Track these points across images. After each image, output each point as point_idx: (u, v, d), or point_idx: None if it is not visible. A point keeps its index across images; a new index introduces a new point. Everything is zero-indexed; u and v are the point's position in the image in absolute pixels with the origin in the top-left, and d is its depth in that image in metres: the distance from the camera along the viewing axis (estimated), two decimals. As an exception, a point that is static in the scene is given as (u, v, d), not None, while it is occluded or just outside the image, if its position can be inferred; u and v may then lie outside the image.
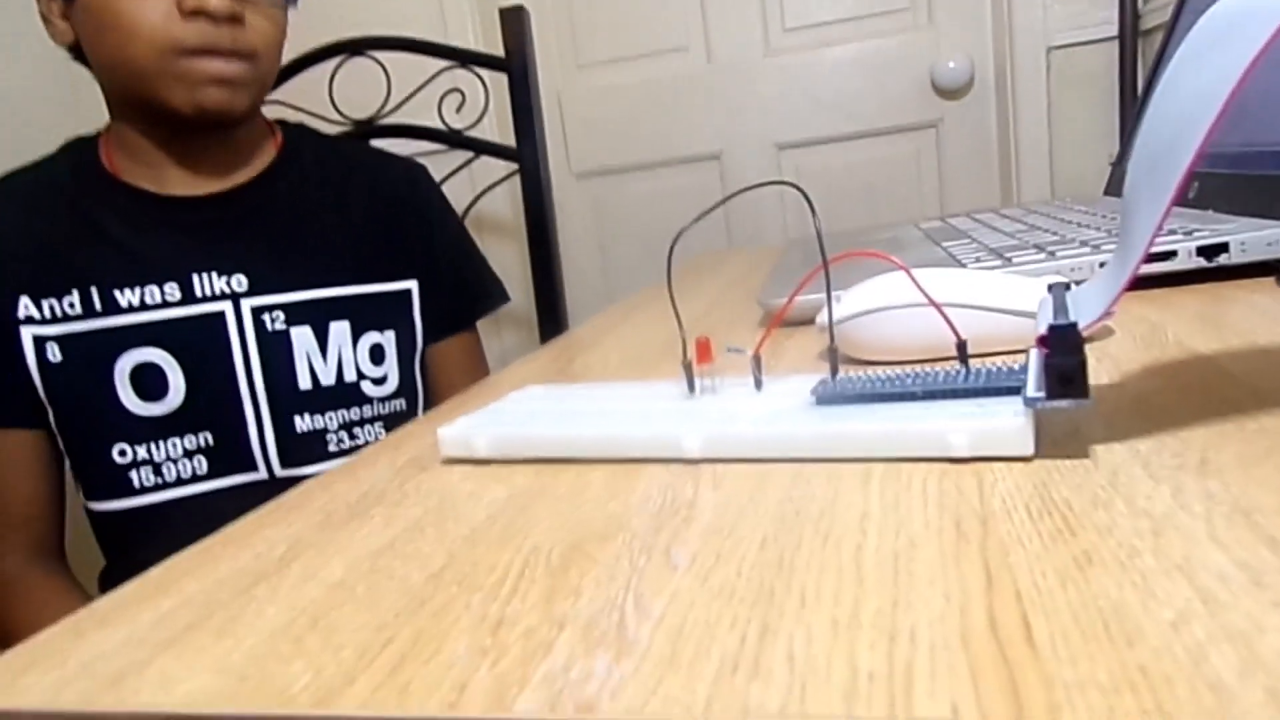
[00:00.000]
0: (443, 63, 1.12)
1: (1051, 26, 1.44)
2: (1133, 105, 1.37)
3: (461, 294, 0.87)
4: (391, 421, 0.79)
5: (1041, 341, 0.23)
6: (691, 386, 0.31)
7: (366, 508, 0.28)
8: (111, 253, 0.70)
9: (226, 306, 0.71)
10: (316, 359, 0.74)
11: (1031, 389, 0.23)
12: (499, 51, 1.10)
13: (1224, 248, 0.42)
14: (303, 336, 0.74)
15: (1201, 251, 0.43)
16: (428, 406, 0.83)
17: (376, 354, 0.78)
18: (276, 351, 0.73)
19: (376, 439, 0.77)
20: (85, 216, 0.71)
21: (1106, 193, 0.78)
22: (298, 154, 0.79)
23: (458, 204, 0.96)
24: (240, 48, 0.68)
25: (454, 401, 0.42)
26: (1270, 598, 0.15)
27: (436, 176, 0.91)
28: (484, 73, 1.13)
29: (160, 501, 0.70)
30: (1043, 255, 0.47)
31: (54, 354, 0.69)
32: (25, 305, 0.68)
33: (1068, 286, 0.28)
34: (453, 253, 0.87)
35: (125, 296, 0.69)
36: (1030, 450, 0.23)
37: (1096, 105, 1.44)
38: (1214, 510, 0.19)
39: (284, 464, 0.73)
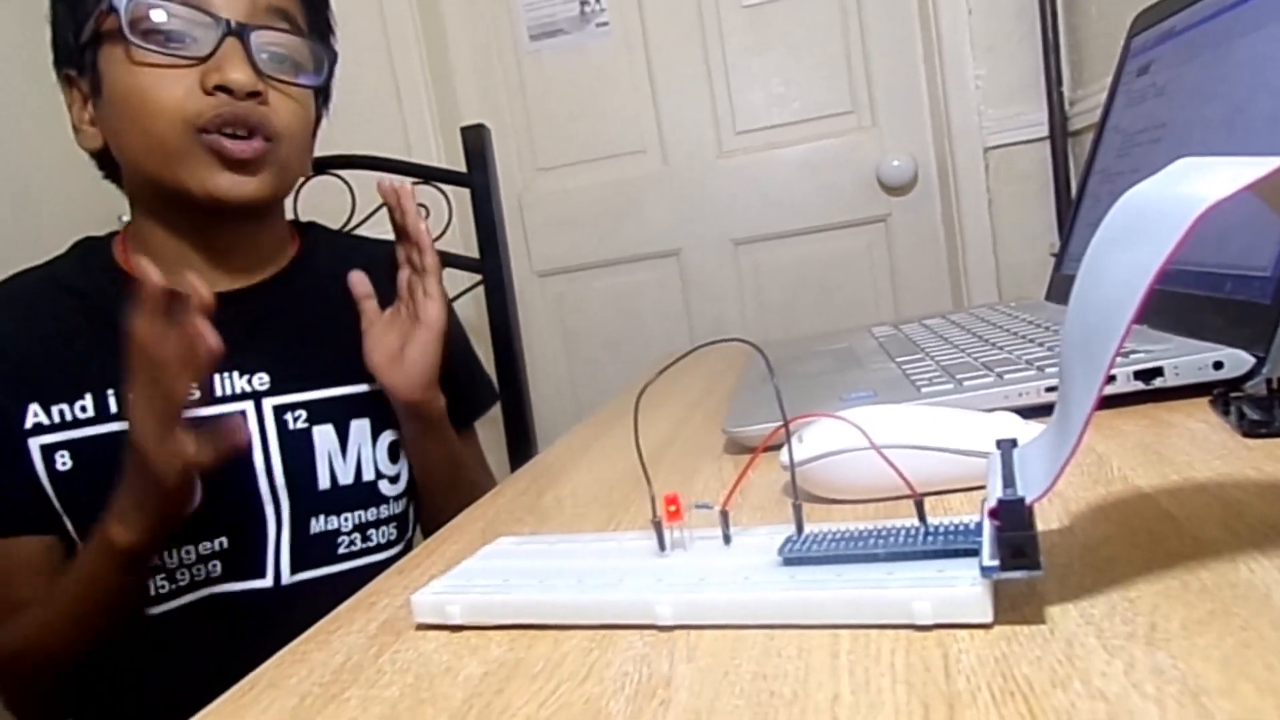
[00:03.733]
0: (407, 179, 1.15)
1: (987, 128, 1.52)
2: (1067, 201, 1.44)
3: (467, 392, 0.87)
4: (402, 523, 0.78)
5: (993, 513, 0.24)
6: (662, 545, 0.32)
7: (342, 688, 0.28)
8: (126, 353, 0.69)
9: (248, 406, 0.70)
10: (337, 458, 0.74)
11: (986, 558, 0.24)
12: (461, 165, 1.14)
13: (1159, 371, 0.45)
14: (325, 435, 0.73)
15: (1139, 375, 0.45)
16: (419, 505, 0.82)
17: (394, 452, 0.77)
18: (298, 451, 0.72)
19: (389, 541, 0.77)
20: (99, 316, 0.69)
21: (1048, 297, 0.82)
22: (315, 250, 0.80)
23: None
24: (260, 126, 0.67)
25: (425, 549, 0.42)
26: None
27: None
28: (447, 187, 1.16)
29: (167, 611, 0.68)
30: (992, 378, 0.49)
31: (63, 462, 0.67)
32: (34, 413, 0.67)
33: (1014, 443, 0.29)
34: (459, 351, 0.87)
35: None
36: (989, 618, 0.24)
37: (1034, 200, 1.51)
38: (1165, 691, 0.20)
39: (293, 569, 0.71)
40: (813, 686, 0.23)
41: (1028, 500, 0.24)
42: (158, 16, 0.64)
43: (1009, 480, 0.26)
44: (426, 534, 0.83)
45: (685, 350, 0.36)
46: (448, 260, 1.16)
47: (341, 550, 0.73)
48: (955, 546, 0.27)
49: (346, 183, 1.14)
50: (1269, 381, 0.42)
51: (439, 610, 0.31)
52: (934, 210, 1.66)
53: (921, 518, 0.29)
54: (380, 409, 0.76)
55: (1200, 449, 0.37)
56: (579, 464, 0.56)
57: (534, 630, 0.29)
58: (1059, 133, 1.44)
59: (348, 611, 0.35)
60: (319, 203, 1.15)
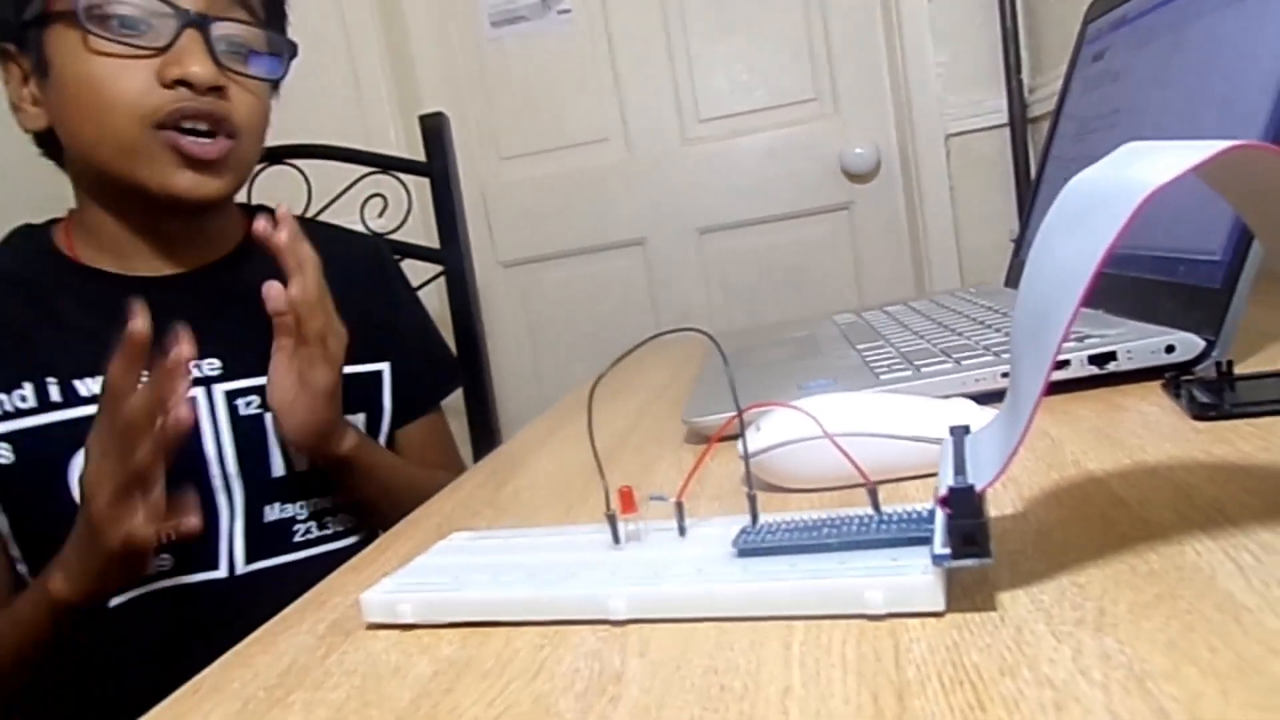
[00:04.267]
0: (365, 168, 1.13)
1: (948, 115, 1.53)
2: (1027, 187, 1.45)
3: (429, 373, 0.86)
4: (359, 509, 0.77)
5: (943, 501, 0.24)
6: (616, 538, 0.31)
7: (287, 692, 0.27)
8: (71, 340, 0.66)
9: (198, 392, 0.68)
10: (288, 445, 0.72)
11: (938, 546, 0.24)
12: (420, 155, 1.12)
13: (1112, 356, 0.45)
14: (270, 422, 0.71)
15: (1092, 360, 0.46)
16: None
17: None
18: (251, 438, 0.70)
19: (347, 529, 0.75)
20: (40, 303, 0.67)
21: (1008, 283, 0.82)
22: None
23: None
24: (223, 123, 0.65)
25: (378, 545, 0.42)
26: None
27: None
28: (406, 177, 1.14)
29: (118, 605, 0.66)
30: (950, 364, 0.49)
31: (3, 455, 0.64)
32: None
33: (966, 430, 0.29)
34: (418, 332, 0.87)
35: (87, 386, 0.65)
36: (941, 606, 0.24)
37: (994, 186, 1.53)
38: (1111, 676, 0.20)
39: (248, 559, 0.69)
40: (764, 679, 0.23)
41: (978, 488, 0.24)
42: (121, 5, 0.62)
43: (960, 468, 0.25)
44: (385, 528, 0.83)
45: (652, 344, 0.35)
46: (408, 251, 1.14)
47: (298, 538, 0.72)
48: (908, 535, 0.26)
49: (302, 171, 1.12)
50: (1219, 365, 0.42)
51: (389, 609, 0.30)
52: (897, 197, 1.67)
53: (875, 506, 0.28)
54: (359, 395, 0.75)
55: (1152, 432, 0.37)
56: (539, 455, 0.55)
57: (486, 628, 0.29)
58: (1018, 119, 1.46)
59: (296, 611, 0.34)
60: (274, 193, 1.12)
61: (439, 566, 0.33)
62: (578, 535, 0.33)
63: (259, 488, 0.70)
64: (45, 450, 0.64)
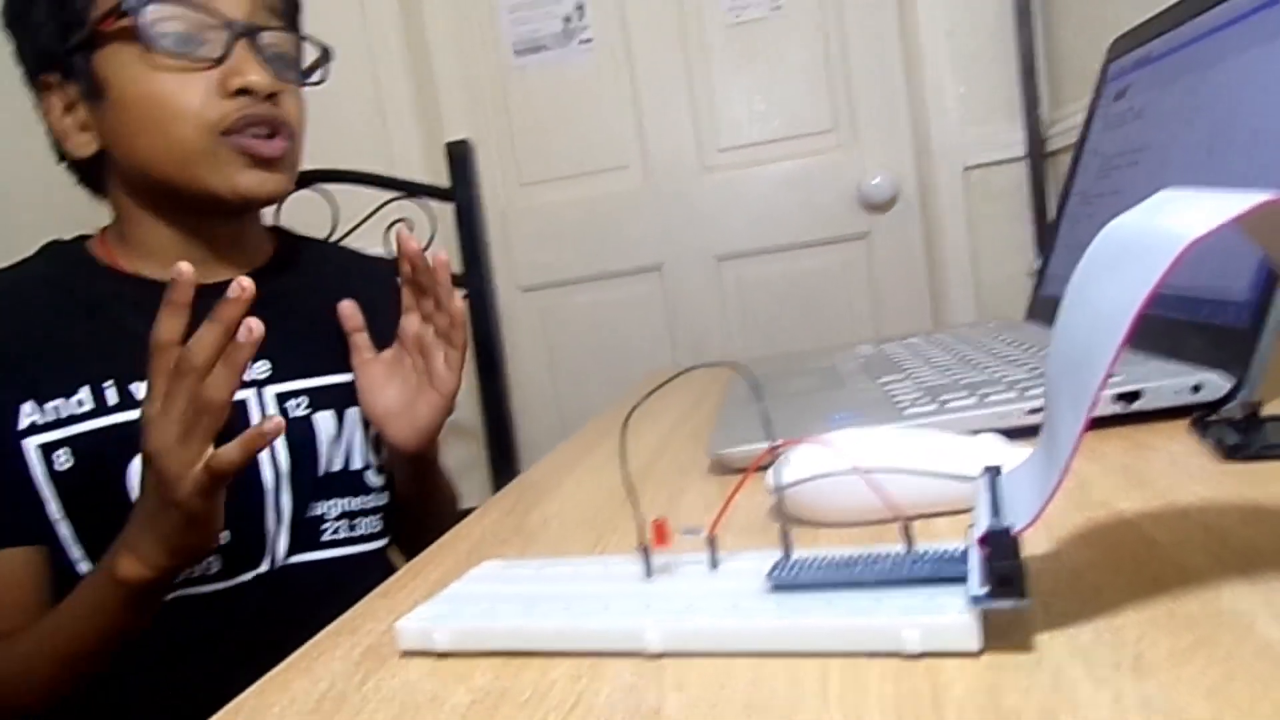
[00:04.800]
0: (390, 193, 1.15)
1: (966, 147, 1.54)
2: (1045, 220, 1.46)
3: None
4: (386, 516, 0.78)
5: (981, 542, 0.24)
6: (649, 570, 0.32)
7: (325, 718, 0.27)
8: (124, 345, 0.66)
9: (249, 394, 0.70)
10: (334, 445, 0.73)
11: (975, 586, 0.24)
12: (444, 181, 1.13)
13: (1139, 394, 0.45)
14: (325, 422, 0.73)
15: (1119, 398, 0.46)
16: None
17: (377, 443, 0.77)
18: (301, 439, 0.71)
19: (373, 533, 0.76)
20: (90, 310, 0.69)
21: (1028, 317, 0.83)
22: (294, 246, 0.81)
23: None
24: (282, 125, 0.68)
25: (409, 570, 0.42)
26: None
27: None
28: (430, 202, 1.16)
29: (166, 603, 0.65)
30: (973, 400, 0.50)
31: (63, 460, 0.65)
32: (28, 413, 0.65)
33: (998, 470, 0.29)
34: None
35: (143, 390, 0.66)
36: (977, 646, 0.24)
37: (1012, 219, 1.53)
38: (1151, 722, 0.20)
39: (289, 552, 0.71)
40: (803, 718, 0.23)
41: (1015, 529, 0.24)
42: (173, 21, 0.65)
43: (996, 509, 0.26)
44: (401, 543, 0.83)
45: (671, 369, 0.36)
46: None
47: (325, 537, 0.73)
48: (943, 574, 0.27)
49: (328, 198, 1.14)
50: (1246, 405, 0.42)
51: (424, 637, 0.30)
52: (914, 228, 1.68)
53: (909, 542, 0.29)
54: None
55: (1181, 472, 0.37)
56: (564, 483, 0.56)
57: (521, 658, 0.29)
58: (1036, 153, 1.46)
59: (330, 636, 0.35)
60: (300, 217, 1.14)
61: (472, 595, 0.33)
62: (609, 566, 0.34)
63: (303, 487, 0.71)
64: (105, 453, 0.65)
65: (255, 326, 0.53)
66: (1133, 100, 0.69)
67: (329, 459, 0.73)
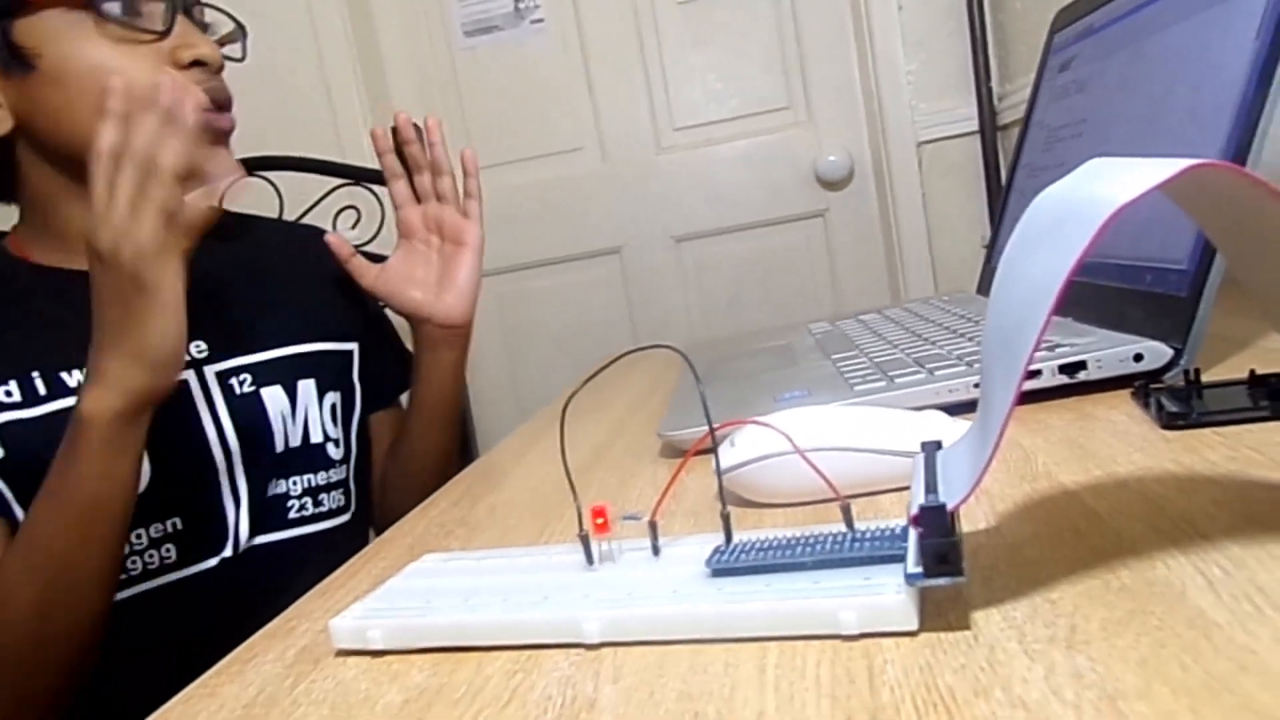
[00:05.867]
0: (337, 180, 1.12)
1: (919, 122, 1.54)
2: (998, 194, 1.47)
3: (395, 364, 0.86)
4: (347, 490, 0.76)
5: (915, 520, 0.24)
6: (590, 559, 0.31)
7: (253, 724, 0.26)
8: (49, 336, 0.65)
9: (189, 375, 0.68)
10: (289, 420, 0.71)
11: (911, 564, 0.24)
12: (393, 166, 1.11)
13: (1083, 365, 0.46)
14: (274, 397, 0.71)
15: (1063, 369, 0.46)
16: (359, 475, 0.80)
17: (333, 415, 0.76)
18: (250, 415, 0.69)
19: (338, 508, 0.75)
20: (8, 304, 0.66)
21: (980, 290, 0.83)
22: (223, 223, 0.77)
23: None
24: (228, 101, 0.67)
25: (349, 568, 0.41)
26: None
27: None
28: (379, 188, 1.14)
29: (120, 600, 0.63)
30: (923, 374, 0.50)
31: None
32: None
33: (938, 445, 0.29)
34: (377, 319, 0.88)
35: (74, 377, 0.64)
36: (915, 625, 0.24)
37: (966, 193, 1.54)
38: (1083, 696, 0.20)
39: (251, 533, 0.69)
40: (738, 704, 0.22)
41: (949, 506, 0.24)
42: None
43: (931, 485, 0.25)
44: (379, 513, 0.81)
45: (618, 354, 0.35)
46: (380, 261, 1.13)
47: (292, 515, 0.71)
48: (881, 553, 0.26)
49: (273, 183, 1.11)
50: (1186, 373, 0.42)
51: (359, 635, 0.30)
52: (870, 204, 1.68)
53: (849, 523, 0.28)
54: (324, 370, 0.75)
55: (1122, 442, 0.37)
56: (514, 472, 0.55)
57: (458, 653, 0.28)
58: (989, 127, 1.47)
59: (264, 639, 0.34)
60: (245, 205, 1.11)
61: (410, 590, 0.32)
62: (551, 556, 0.33)
63: (260, 466, 0.70)
64: (38, 443, 0.62)
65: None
66: (1076, 71, 0.69)
67: (285, 435, 0.71)
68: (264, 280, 0.75)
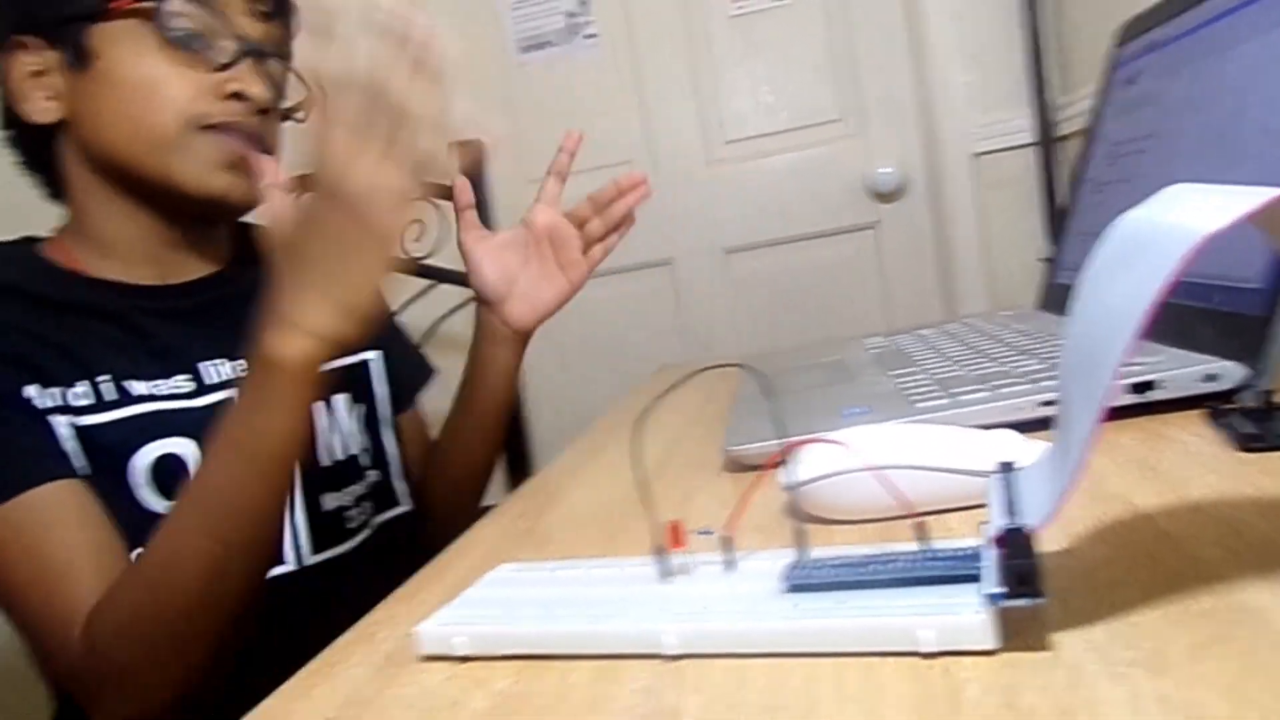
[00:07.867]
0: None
1: (974, 134, 1.53)
2: (1055, 207, 1.45)
3: (412, 364, 0.89)
4: (378, 498, 0.78)
5: (998, 541, 0.24)
6: (665, 572, 0.32)
7: (348, 725, 0.28)
8: (112, 345, 0.65)
9: (227, 396, 0.68)
10: (329, 434, 0.73)
11: (992, 585, 0.24)
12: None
13: (1152, 384, 0.45)
14: (318, 412, 0.72)
15: (1133, 388, 0.45)
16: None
17: (360, 424, 0.77)
18: None
19: (375, 518, 0.76)
20: (67, 312, 0.65)
21: (1040, 306, 0.82)
22: (250, 239, 0.79)
23: (418, 327, 0.97)
24: (270, 145, 0.68)
25: (424, 575, 0.42)
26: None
27: (397, 302, 0.93)
28: (440, 200, 1.16)
29: None
30: (986, 392, 0.50)
31: (69, 446, 0.61)
32: (32, 394, 0.61)
33: (1014, 466, 0.29)
34: (395, 326, 0.90)
35: (138, 387, 0.64)
36: (993, 644, 0.24)
37: (1022, 206, 1.52)
38: (1169, 720, 0.20)
39: (314, 550, 0.70)
40: (821, 719, 0.23)
41: (1030, 527, 0.24)
42: (190, 19, 0.64)
43: (1011, 507, 0.26)
44: (440, 502, 0.83)
45: (680, 364, 0.36)
46: (444, 276, 1.16)
47: (351, 525, 0.73)
48: (957, 572, 0.27)
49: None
50: (1262, 394, 0.42)
51: (444, 642, 0.31)
52: (923, 217, 1.67)
53: (922, 541, 0.29)
54: (352, 383, 0.77)
55: (1196, 464, 0.37)
56: (576, 484, 0.56)
57: (540, 661, 0.29)
58: (1046, 138, 1.45)
59: (348, 643, 0.35)
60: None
61: (490, 599, 0.34)
62: (625, 568, 0.34)
63: (311, 477, 0.71)
64: (104, 448, 0.62)
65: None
66: (1143, 86, 0.69)
67: (329, 449, 0.73)
68: None
